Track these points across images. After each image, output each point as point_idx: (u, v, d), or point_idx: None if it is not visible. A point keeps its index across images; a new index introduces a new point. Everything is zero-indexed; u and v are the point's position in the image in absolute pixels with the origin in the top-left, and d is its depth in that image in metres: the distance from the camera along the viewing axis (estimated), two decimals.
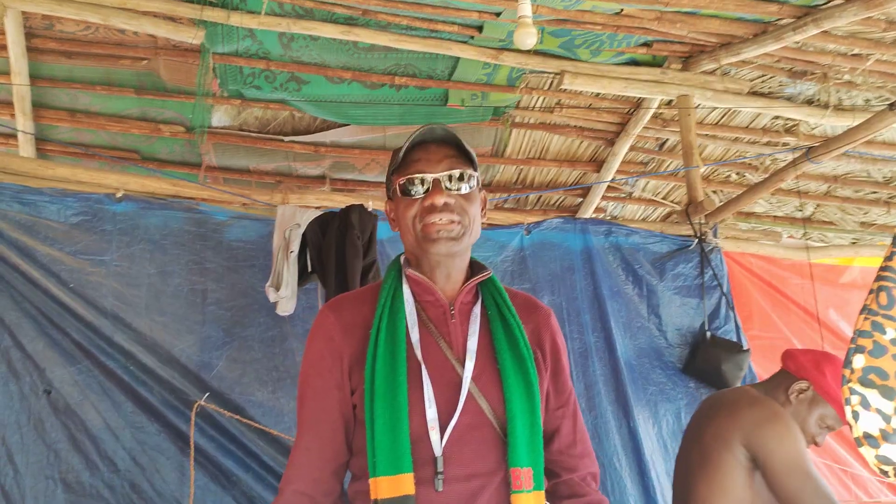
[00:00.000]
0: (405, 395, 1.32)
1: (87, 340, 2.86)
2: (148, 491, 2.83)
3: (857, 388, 1.34)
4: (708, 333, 3.44)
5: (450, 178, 1.40)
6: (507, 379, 1.38)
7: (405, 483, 1.28)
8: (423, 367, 1.36)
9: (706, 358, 3.39)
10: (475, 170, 1.44)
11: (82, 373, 2.85)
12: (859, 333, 1.37)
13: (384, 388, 1.33)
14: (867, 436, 1.32)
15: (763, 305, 3.66)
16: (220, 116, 3.88)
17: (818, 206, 4.77)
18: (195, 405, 2.81)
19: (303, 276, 2.87)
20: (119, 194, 3.04)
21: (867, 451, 1.32)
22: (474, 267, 1.51)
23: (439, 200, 1.37)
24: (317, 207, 3.09)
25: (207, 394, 2.85)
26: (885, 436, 1.31)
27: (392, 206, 1.49)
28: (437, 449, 1.32)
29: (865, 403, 1.32)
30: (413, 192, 1.40)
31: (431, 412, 1.33)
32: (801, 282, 3.65)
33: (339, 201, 3.11)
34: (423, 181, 1.39)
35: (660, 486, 3.27)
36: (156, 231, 3.07)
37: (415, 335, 1.39)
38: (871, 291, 1.40)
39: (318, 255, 2.80)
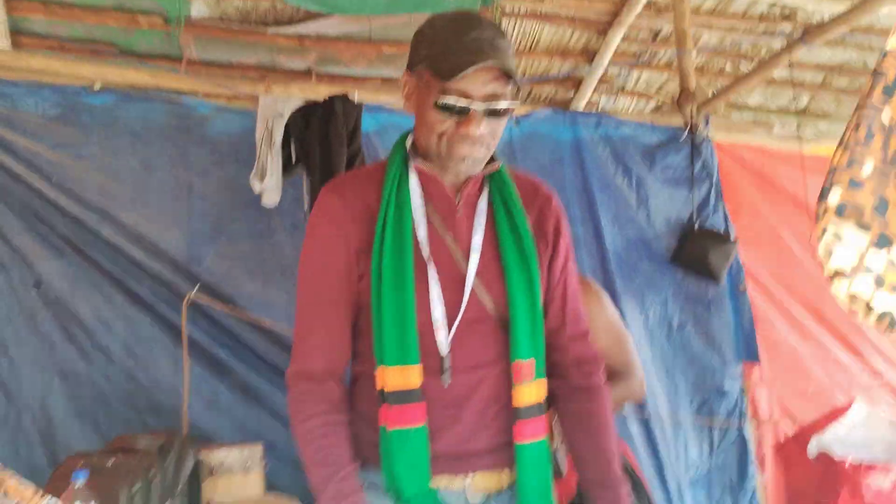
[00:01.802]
0: (412, 293, 1.31)
1: (74, 234, 2.86)
2: (144, 381, 2.90)
3: (832, 223, 1.32)
4: (696, 224, 3.45)
5: (491, 107, 1.30)
6: (511, 275, 1.37)
7: (413, 374, 1.30)
8: (431, 264, 1.35)
9: (694, 248, 3.41)
10: (517, 85, 1.34)
11: (71, 266, 2.86)
12: (835, 169, 1.34)
13: (391, 284, 1.31)
14: (839, 272, 1.31)
15: (752, 197, 3.64)
16: (199, 6, 3.74)
17: (813, 97, 4.70)
18: (186, 298, 2.83)
19: (287, 167, 2.83)
20: (97, 86, 2.97)
21: (838, 288, 1.31)
22: None
23: (475, 131, 1.29)
24: (302, 99, 3.03)
25: (198, 286, 2.88)
26: (857, 271, 1.30)
27: (413, 85, 1.38)
28: (444, 347, 1.33)
29: (838, 238, 1.31)
30: (447, 110, 1.30)
31: (439, 311, 1.33)
32: (791, 172, 3.62)
33: (324, 93, 3.04)
34: (462, 107, 1.29)
35: (645, 372, 3.35)
36: (137, 124, 3.02)
37: (422, 232, 1.36)
38: (847, 128, 1.36)
39: (301, 146, 2.76)
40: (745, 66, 4.46)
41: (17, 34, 3.64)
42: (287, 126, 2.79)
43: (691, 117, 3.50)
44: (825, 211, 1.32)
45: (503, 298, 1.37)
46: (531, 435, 1.36)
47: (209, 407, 2.94)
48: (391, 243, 1.33)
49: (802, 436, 2.03)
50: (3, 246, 2.78)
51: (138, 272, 2.92)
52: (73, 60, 3.16)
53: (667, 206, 3.53)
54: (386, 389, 1.31)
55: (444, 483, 1.34)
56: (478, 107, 1.29)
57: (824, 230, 1.31)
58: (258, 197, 2.95)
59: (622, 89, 4.71)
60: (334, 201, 1.38)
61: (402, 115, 3.32)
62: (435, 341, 1.33)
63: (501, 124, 1.35)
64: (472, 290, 1.36)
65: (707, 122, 3.56)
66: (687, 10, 3.62)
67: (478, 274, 1.37)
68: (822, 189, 1.34)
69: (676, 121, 3.58)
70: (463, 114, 1.30)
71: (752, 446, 3.37)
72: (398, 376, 1.30)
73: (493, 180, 1.45)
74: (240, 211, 3.08)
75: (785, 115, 4.74)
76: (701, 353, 3.45)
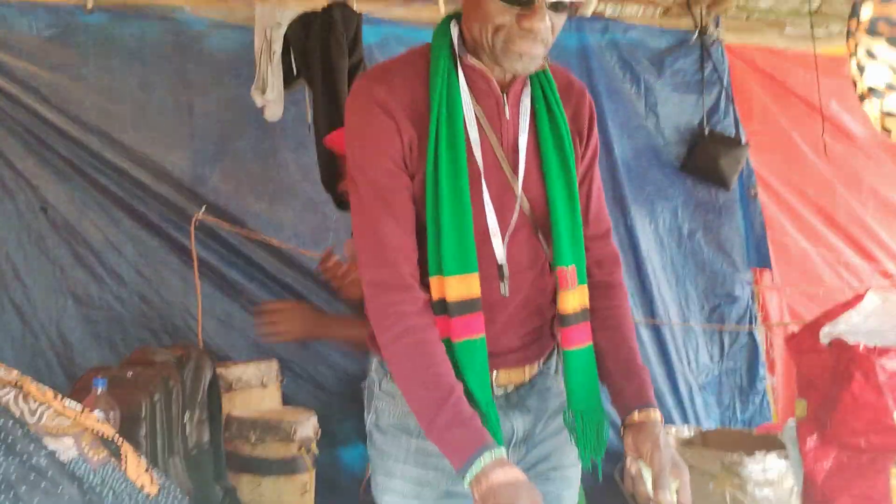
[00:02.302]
0: (468, 199, 1.24)
1: (77, 157, 2.84)
2: (156, 301, 2.92)
3: (864, 39, 1.26)
4: (706, 129, 3.40)
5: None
6: (552, 180, 1.31)
7: (474, 283, 1.25)
8: (482, 171, 1.28)
9: (704, 154, 3.37)
10: None
11: (77, 189, 2.85)
12: None
13: (449, 189, 1.24)
14: (872, 90, 1.27)
15: (764, 99, 3.57)
16: None
17: None
18: (194, 218, 2.82)
19: (288, 80, 2.78)
20: (90, 5, 2.89)
21: (871, 106, 1.27)
22: None
23: (538, 25, 1.18)
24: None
25: (204, 206, 2.86)
26: (892, 87, 1.25)
27: None
28: (501, 255, 1.29)
29: (871, 55, 1.25)
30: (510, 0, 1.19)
31: (493, 220, 1.27)
32: (803, 74, 3.53)
33: (322, 2, 2.95)
34: None
35: (656, 281, 3.36)
36: (133, 42, 2.95)
37: (473, 133, 1.28)
38: None
39: (302, 57, 2.69)
40: None
41: None
42: (286, 37, 2.72)
43: (701, 19, 3.40)
44: (857, 28, 1.26)
45: (541, 203, 1.32)
46: (579, 341, 1.34)
47: (222, 326, 2.98)
48: (445, 144, 1.25)
49: (814, 326, 2.04)
50: (6, 170, 2.77)
51: (144, 194, 2.91)
52: None
53: (676, 112, 3.46)
54: (448, 300, 1.24)
55: None
56: None
57: (856, 47, 1.25)
58: (261, 116, 2.90)
59: None
60: (381, 90, 1.27)
61: (404, 26, 3.24)
62: (492, 253, 1.28)
63: (562, 19, 1.25)
64: (514, 195, 1.31)
65: (717, 24, 3.46)
66: None
67: (517, 178, 1.31)
68: (854, 4, 1.27)
69: (686, 23, 3.48)
70: (527, 5, 1.19)
71: (762, 350, 3.40)
72: (460, 285, 1.24)
73: (536, 78, 1.35)
74: (243, 130, 3.05)
75: (796, 16, 4.60)
76: (711, 260, 3.44)
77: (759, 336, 3.40)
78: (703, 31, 3.41)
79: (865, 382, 1.80)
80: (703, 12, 3.42)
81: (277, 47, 2.67)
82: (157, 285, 2.92)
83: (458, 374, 1.24)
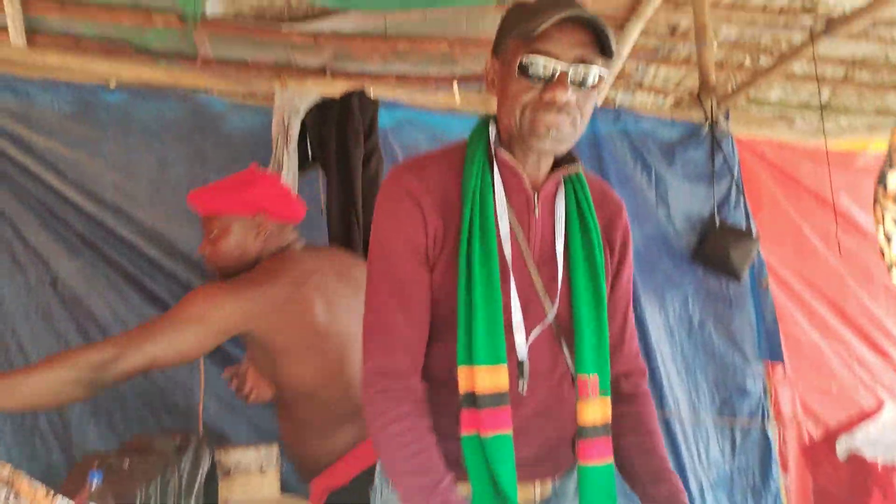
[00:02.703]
0: (500, 290, 1.25)
1: (90, 232, 2.85)
2: (158, 379, 2.88)
3: (891, 207, 1.26)
4: (717, 220, 3.40)
5: (579, 72, 1.22)
6: (578, 287, 1.31)
7: (503, 375, 1.23)
8: (510, 266, 1.28)
9: (715, 245, 3.36)
10: (610, 57, 1.24)
11: (87, 264, 2.85)
12: (893, 150, 1.27)
13: (481, 279, 1.24)
14: None
15: (774, 192, 3.59)
16: (214, 4, 3.72)
17: (834, 91, 4.62)
18: None
19: (304, 164, 2.81)
20: (112, 84, 2.96)
21: None
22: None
23: (561, 97, 1.20)
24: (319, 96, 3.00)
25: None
26: None
27: (497, 67, 1.31)
28: (523, 352, 1.28)
29: None
30: (532, 75, 1.22)
31: (518, 315, 1.27)
32: (813, 167, 3.56)
33: (340, 89, 3.01)
34: (548, 68, 1.21)
35: (665, 371, 3.31)
36: (152, 122, 3.00)
37: (504, 228, 1.28)
38: None
39: (318, 142, 2.73)
40: (764, 61, 4.39)
41: (33, 32, 3.63)
42: (303, 123, 2.76)
43: (711, 112, 3.45)
44: (884, 195, 1.26)
45: (566, 308, 1.32)
46: (598, 456, 1.29)
47: (225, 406, 2.92)
48: (478, 236, 1.25)
49: (830, 437, 1.98)
50: (19, 244, 2.77)
51: (154, 270, 2.91)
52: (88, 58, 3.16)
53: (687, 202, 3.47)
54: (477, 392, 1.22)
55: None
56: (564, 67, 1.21)
57: (883, 215, 1.25)
58: None
59: (640, 85, 4.65)
60: (413, 180, 1.29)
61: (419, 111, 3.30)
62: (514, 350, 1.27)
63: (590, 98, 1.26)
64: (539, 297, 1.31)
65: (727, 117, 3.51)
66: (706, 3, 3.56)
67: (542, 279, 1.31)
68: (881, 172, 1.28)
69: (696, 116, 3.52)
70: (549, 80, 1.22)
71: (775, 446, 3.31)
72: (490, 377, 1.22)
73: (569, 183, 1.37)
74: None
75: (806, 109, 4.67)
76: (722, 352, 3.39)
77: (772, 432, 3.31)
78: (713, 124, 3.45)
79: (884, 501, 1.74)
80: (714, 105, 3.46)
81: (294, 132, 2.72)
82: None
83: (483, 474, 1.21)
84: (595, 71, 1.23)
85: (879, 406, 2.05)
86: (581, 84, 1.23)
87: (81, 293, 2.82)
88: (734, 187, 3.48)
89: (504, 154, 1.31)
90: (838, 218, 3.43)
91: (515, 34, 1.24)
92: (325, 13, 3.84)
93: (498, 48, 1.32)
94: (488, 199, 1.28)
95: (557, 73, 1.21)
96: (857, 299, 3.60)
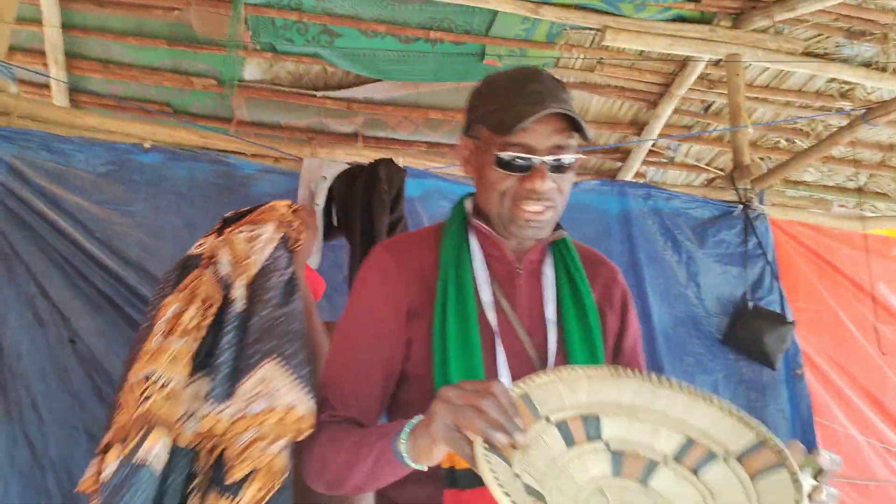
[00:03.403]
0: (479, 360, 1.21)
1: (113, 291, 2.84)
2: None
3: None
4: (750, 303, 3.30)
5: (556, 161, 1.23)
6: (573, 351, 1.28)
7: None
8: (497, 332, 1.25)
9: (747, 329, 3.25)
10: (585, 137, 1.24)
11: (108, 323, 2.83)
12: None
13: (458, 352, 1.21)
14: None
15: (809, 276, 3.48)
16: (252, 70, 3.81)
17: (871, 175, 4.55)
18: None
19: (329, 231, 2.80)
20: (147, 144, 3.00)
21: None
22: None
23: (541, 187, 1.21)
24: (346, 163, 3.02)
25: None
26: None
27: (472, 148, 1.31)
28: None
29: None
30: (510, 167, 1.22)
31: (507, 382, 1.23)
32: (851, 253, 3.47)
33: (369, 156, 3.02)
34: (526, 160, 1.22)
35: None
36: (183, 183, 3.02)
37: (486, 296, 1.27)
38: None
39: (344, 210, 2.72)
40: (800, 142, 4.35)
41: (76, 92, 3.75)
42: (330, 189, 2.76)
43: (744, 193, 3.39)
44: None
45: None
46: None
47: None
48: (454, 308, 1.23)
49: None
50: (42, 301, 2.77)
51: None
52: (126, 119, 3.22)
53: (718, 283, 3.38)
54: (457, 467, 1.16)
55: None
56: (541, 156, 1.21)
57: None
58: None
59: (671, 161, 4.63)
60: (386, 259, 1.31)
61: (447, 180, 3.28)
62: None
63: (568, 181, 1.27)
64: (531, 361, 1.27)
65: (762, 199, 3.45)
66: (741, 83, 3.55)
67: (537, 345, 1.28)
68: None
69: (729, 195, 3.47)
70: (526, 170, 1.22)
71: None
72: None
73: (555, 246, 1.36)
74: None
75: (841, 193, 4.60)
76: None
77: None
78: (746, 205, 3.39)
79: None
80: (747, 187, 3.41)
81: (321, 200, 2.71)
82: None
83: None
84: (572, 153, 1.24)
85: None
86: (559, 169, 1.24)
87: (100, 352, 2.79)
88: (768, 270, 3.38)
89: (482, 225, 1.31)
90: (878, 305, 3.32)
91: (490, 125, 1.24)
92: (359, 81, 3.91)
93: (470, 128, 1.32)
94: (465, 269, 1.27)
95: (534, 164, 1.22)
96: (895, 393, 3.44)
